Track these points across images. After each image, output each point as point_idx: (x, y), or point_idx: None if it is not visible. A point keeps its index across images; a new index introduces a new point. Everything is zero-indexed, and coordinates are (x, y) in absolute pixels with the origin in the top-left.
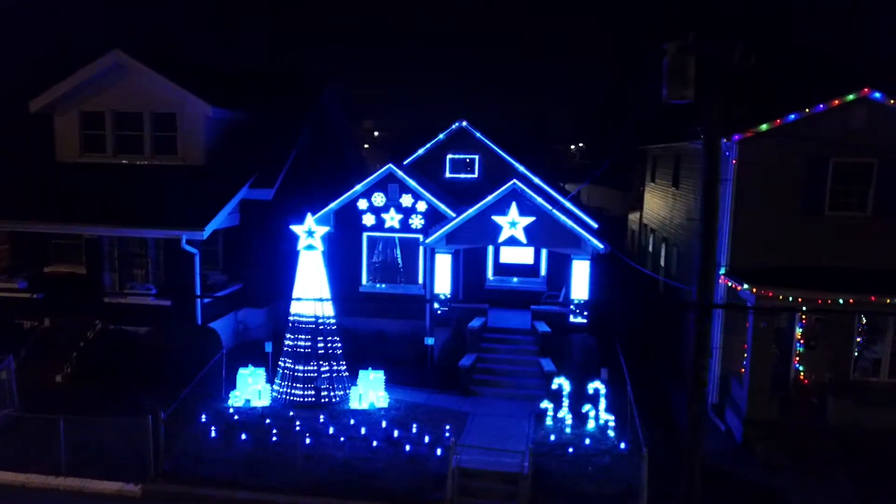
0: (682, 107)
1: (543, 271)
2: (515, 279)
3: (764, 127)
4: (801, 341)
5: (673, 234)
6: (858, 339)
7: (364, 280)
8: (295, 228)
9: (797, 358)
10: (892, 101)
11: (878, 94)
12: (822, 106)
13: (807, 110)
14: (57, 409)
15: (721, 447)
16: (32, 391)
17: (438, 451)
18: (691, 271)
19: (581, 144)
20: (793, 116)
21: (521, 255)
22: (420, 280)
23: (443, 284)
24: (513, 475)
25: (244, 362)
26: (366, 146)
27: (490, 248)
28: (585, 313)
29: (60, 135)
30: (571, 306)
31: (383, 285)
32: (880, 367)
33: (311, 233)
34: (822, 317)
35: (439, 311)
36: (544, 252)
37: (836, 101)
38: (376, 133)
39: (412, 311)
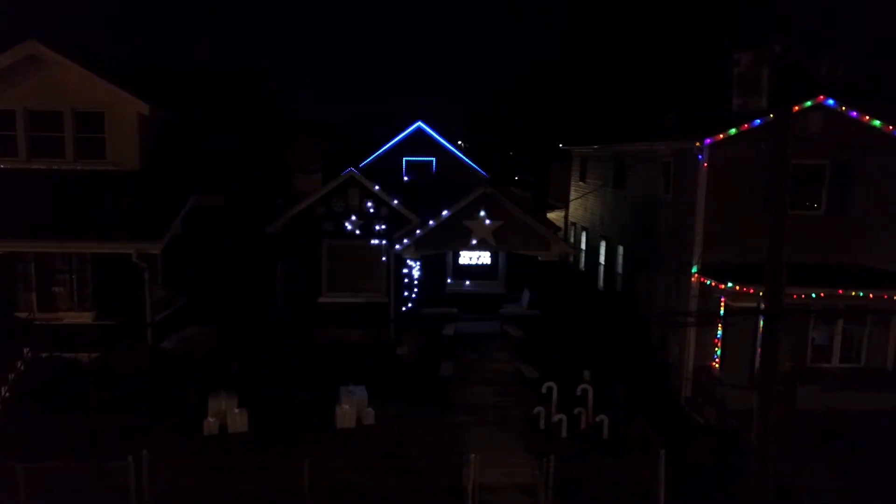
0: (619, 109)
1: (501, 273)
2: (475, 282)
3: (733, 131)
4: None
5: (617, 234)
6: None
7: (324, 289)
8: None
9: (760, 349)
10: (843, 108)
11: (831, 101)
12: None
13: (770, 115)
14: None
15: (704, 440)
16: None
17: (446, 466)
18: (641, 267)
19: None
20: (758, 121)
21: (481, 258)
22: (383, 287)
23: (410, 291)
24: (528, 485)
25: (203, 385)
26: (314, 147)
27: (444, 252)
28: (554, 315)
29: None
30: (539, 309)
31: (344, 294)
32: (832, 354)
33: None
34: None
35: (407, 319)
36: (501, 254)
37: (797, 108)
38: (321, 133)
39: (375, 320)
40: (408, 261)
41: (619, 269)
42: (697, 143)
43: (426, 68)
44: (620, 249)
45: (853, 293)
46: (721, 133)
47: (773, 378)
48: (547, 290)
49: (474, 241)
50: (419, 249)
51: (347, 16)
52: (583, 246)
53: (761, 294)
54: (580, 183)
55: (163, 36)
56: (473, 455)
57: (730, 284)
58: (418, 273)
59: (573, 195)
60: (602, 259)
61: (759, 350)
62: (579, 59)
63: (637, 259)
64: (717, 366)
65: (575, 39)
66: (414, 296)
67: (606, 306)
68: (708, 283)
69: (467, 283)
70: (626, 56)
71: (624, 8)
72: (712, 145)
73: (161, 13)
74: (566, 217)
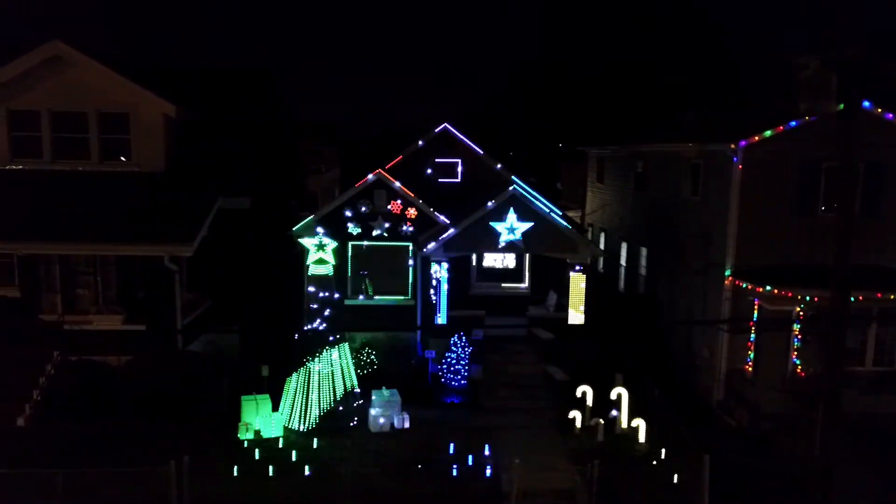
0: (631, 108)
1: (527, 275)
2: (500, 284)
3: (768, 133)
4: (799, 336)
5: (639, 235)
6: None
7: (349, 292)
8: (305, 241)
9: (795, 352)
10: (878, 110)
11: (867, 104)
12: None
13: (806, 118)
14: (28, 460)
15: (737, 443)
16: None
17: (488, 472)
18: (665, 269)
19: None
20: (793, 123)
21: (505, 260)
22: (410, 290)
23: (439, 294)
24: (567, 490)
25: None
26: (315, 147)
27: (474, 254)
28: (583, 318)
29: None
30: (571, 311)
31: (371, 296)
32: (865, 357)
33: (322, 246)
34: (815, 312)
35: (436, 322)
36: (526, 256)
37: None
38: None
39: (402, 323)
40: (434, 263)
41: (642, 271)
42: (732, 145)
43: (433, 67)
44: (643, 251)
45: (892, 296)
46: (756, 135)
47: (836, 384)
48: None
49: (502, 243)
50: (447, 251)
51: (357, 16)
52: (601, 247)
53: (799, 297)
54: (597, 184)
55: (175, 38)
56: (517, 461)
57: (768, 287)
58: (444, 275)
59: (590, 196)
60: (623, 261)
61: (793, 353)
62: (586, 58)
63: (661, 261)
64: (749, 369)
65: (581, 38)
66: (440, 298)
67: (630, 309)
68: (743, 285)
69: (492, 285)
70: (635, 55)
71: (631, 8)
72: (747, 147)
73: (172, 15)
74: (582, 218)
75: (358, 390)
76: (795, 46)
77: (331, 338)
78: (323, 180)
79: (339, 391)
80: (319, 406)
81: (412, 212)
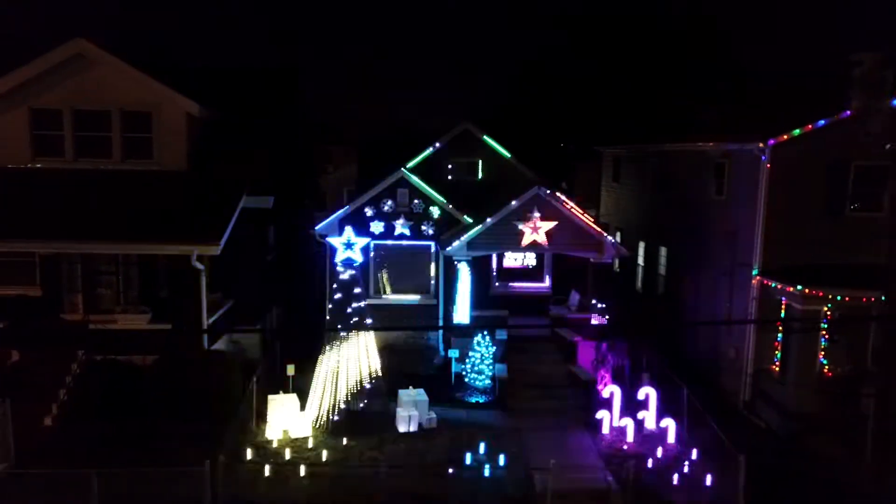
0: (645, 108)
1: (547, 274)
2: (520, 284)
3: (796, 132)
4: (826, 336)
5: (658, 235)
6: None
7: (371, 291)
8: (332, 240)
9: (822, 352)
10: None
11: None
12: (848, 112)
13: (836, 116)
14: (57, 460)
15: (767, 444)
16: (18, 438)
17: (521, 473)
18: (686, 269)
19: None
20: (823, 122)
21: (525, 259)
22: (432, 289)
23: (462, 293)
24: (601, 491)
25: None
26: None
27: (494, 253)
28: (606, 317)
29: (5, 136)
30: (595, 310)
31: (392, 296)
32: None
33: (350, 245)
34: (843, 312)
35: (459, 322)
36: (546, 255)
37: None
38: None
39: (424, 322)
40: (456, 262)
41: (662, 270)
42: (761, 144)
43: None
44: (663, 251)
45: None
46: (785, 133)
47: (893, 386)
48: (594, 293)
49: (526, 242)
50: (470, 250)
51: (371, 14)
52: None
53: (830, 297)
54: (613, 183)
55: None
56: (553, 461)
57: (798, 287)
58: (467, 274)
59: (604, 196)
60: (641, 260)
61: (820, 353)
62: (600, 57)
63: (682, 261)
64: (776, 369)
65: (595, 36)
66: (463, 298)
67: (650, 308)
68: (772, 285)
69: (513, 284)
70: (650, 54)
71: (645, 7)
72: (775, 146)
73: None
74: (597, 218)
75: (383, 389)
76: (814, 46)
77: (354, 336)
78: (330, 181)
79: (365, 390)
80: (346, 405)
81: (434, 210)
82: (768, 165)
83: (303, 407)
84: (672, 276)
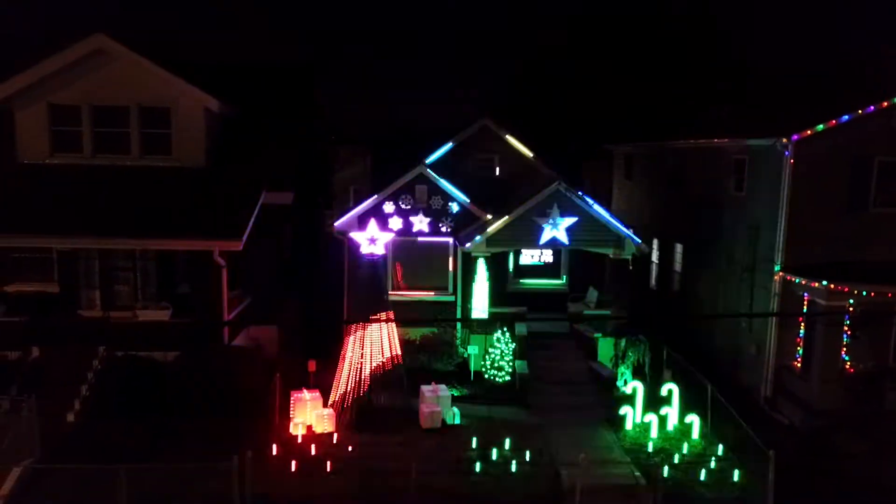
0: (656, 104)
1: (564, 271)
2: (538, 280)
3: (820, 127)
4: (849, 332)
5: (673, 231)
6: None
7: (390, 288)
8: (355, 236)
9: (844, 348)
10: None
11: None
12: (871, 107)
13: (859, 111)
14: (82, 456)
15: (790, 441)
16: (42, 434)
17: (548, 469)
18: (703, 266)
19: None
20: (846, 117)
21: (542, 256)
22: (451, 285)
23: (480, 289)
24: (630, 487)
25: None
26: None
27: (512, 250)
28: (624, 313)
29: (23, 132)
30: (613, 307)
31: (411, 291)
32: None
33: (373, 240)
34: (866, 308)
35: (479, 317)
36: (563, 252)
37: (885, 103)
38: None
39: (443, 318)
40: (475, 258)
41: (678, 267)
42: (784, 139)
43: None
44: (678, 248)
45: None
46: (808, 129)
47: None
48: (611, 289)
49: (545, 239)
50: (489, 246)
51: (385, 12)
52: None
53: (855, 292)
54: (625, 181)
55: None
56: (582, 455)
57: (823, 282)
58: (485, 271)
59: (616, 193)
60: (655, 257)
61: (843, 349)
62: (612, 54)
63: (698, 257)
64: (798, 365)
65: (607, 32)
66: (482, 294)
67: (667, 305)
68: (795, 280)
69: (530, 281)
70: (662, 51)
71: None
72: (798, 141)
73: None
74: None
75: (405, 384)
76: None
77: (375, 332)
78: (338, 179)
79: (387, 386)
80: (369, 401)
81: (453, 206)
82: (791, 161)
83: (325, 403)
84: (689, 273)
